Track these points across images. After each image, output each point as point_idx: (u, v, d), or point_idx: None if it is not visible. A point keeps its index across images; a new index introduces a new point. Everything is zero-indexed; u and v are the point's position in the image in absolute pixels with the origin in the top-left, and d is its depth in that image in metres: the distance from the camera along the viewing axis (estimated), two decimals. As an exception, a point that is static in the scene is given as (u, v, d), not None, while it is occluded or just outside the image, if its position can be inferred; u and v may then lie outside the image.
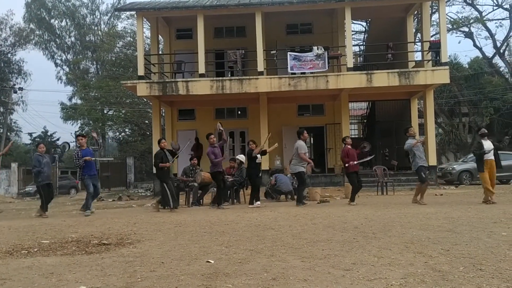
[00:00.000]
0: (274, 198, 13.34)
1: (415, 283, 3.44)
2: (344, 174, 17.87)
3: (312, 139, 23.01)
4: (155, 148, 18.78)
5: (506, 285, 3.34)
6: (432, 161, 17.85)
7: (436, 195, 13.48)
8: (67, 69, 44.23)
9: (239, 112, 21.28)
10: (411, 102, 20.20)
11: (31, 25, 42.70)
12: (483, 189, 10.11)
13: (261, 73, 17.36)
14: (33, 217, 9.88)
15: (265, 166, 17.90)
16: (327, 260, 4.32)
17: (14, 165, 29.47)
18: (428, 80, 16.95)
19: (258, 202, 10.75)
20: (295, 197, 13.51)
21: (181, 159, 19.03)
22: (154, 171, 11.32)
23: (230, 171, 13.19)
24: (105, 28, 43.40)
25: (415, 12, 21.22)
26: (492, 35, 31.44)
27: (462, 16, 32.59)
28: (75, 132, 42.94)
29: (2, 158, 28.13)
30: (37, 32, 43.18)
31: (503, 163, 19.69)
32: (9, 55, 42.54)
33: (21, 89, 38.82)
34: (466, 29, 32.08)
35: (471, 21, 31.56)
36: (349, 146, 11.06)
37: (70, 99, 42.88)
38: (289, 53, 17.44)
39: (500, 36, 38.97)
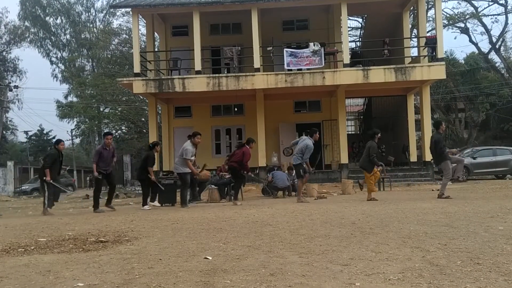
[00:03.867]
0: (271, 194, 13.34)
1: (412, 278, 3.44)
2: (340, 171, 17.94)
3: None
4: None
5: (504, 279, 3.35)
6: (429, 156, 17.87)
7: (432, 190, 13.50)
8: (63, 67, 44.09)
9: (236, 109, 21.26)
10: (407, 98, 20.26)
11: (26, 23, 42.57)
12: (369, 187, 10.45)
13: (257, 70, 17.34)
14: (30, 215, 9.83)
15: (262, 163, 17.94)
16: (325, 255, 4.32)
17: (10, 164, 29.37)
18: (424, 75, 16.99)
19: (147, 206, 10.57)
20: (293, 193, 13.56)
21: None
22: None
23: (226, 168, 13.17)
24: (101, 26, 43.31)
25: (411, 8, 21.24)
26: (487, 31, 31.54)
27: (458, 12, 32.73)
28: (71, 130, 42.94)
29: None
30: (32, 30, 43.03)
31: (498, 158, 19.91)
32: (4, 53, 42.35)
33: (16, 87, 38.71)
34: (462, 25, 32.19)
35: (467, 16, 31.66)
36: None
37: (66, 97, 42.85)
38: (285, 49, 17.43)
39: (495, 31, 39.08)
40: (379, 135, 10.81)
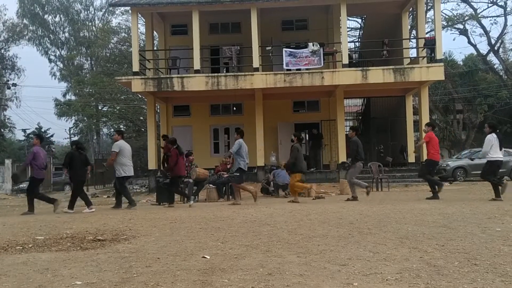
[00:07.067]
0: (272, 194, 13.35)
1: (410, 278, 3.46)
2: (338, 171, 17.94)
3: (307, 135, 23.09)
4: (150, 145, 18.82)
5: (501, 280, 3.37)
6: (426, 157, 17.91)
7: (430, 191, 13.51)
8: (61, 65, 43.97)
9: (235, 108, 21.26)
10: (406, 98, 20.27)
11: (25, 21, 42.40)
12: (299, 190, 10.77)
13: (256, 69, 17.34)
14: (28, 214, 9.80)
15: (260, 162, 17.95)
16: (322, 255, 4.33)
17: (8, 162, 29.27)
18: (423, 76, 17.01)
19: (89, 209, 9.73)
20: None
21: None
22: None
23: (225, 167, 13.21)
24: (100, 24, 43.16)
25: (410, 9, 21.26)
26: (486, 32, 31.56)
27: (457, 13, 32.75)
28: (70, 128, 42.91)
29: None
30: (31, 28, 42.88)
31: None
32: (2, 51, 42.21)
33: (14, 85, 38.64)
34: (461, 26, 32.20)
35: (466, 18, 31.67)
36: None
37: (64, 95, 42.74)
38: (284, 49, 17.42)
39: (494, 33, 39.26)
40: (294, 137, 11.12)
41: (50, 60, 44.24)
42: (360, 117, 26.16)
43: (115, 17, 43.44)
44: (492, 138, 9.66)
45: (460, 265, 3.79)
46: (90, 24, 43.91)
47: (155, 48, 21.41)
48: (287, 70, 17.40)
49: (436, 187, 10.63)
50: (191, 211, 8.79)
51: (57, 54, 44.41)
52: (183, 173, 11.10)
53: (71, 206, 9.88)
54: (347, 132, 11.11)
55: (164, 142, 11.14)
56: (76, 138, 42.15)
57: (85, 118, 38.21)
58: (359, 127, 25.93)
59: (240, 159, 10.37)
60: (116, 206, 10.34)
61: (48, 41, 43.89)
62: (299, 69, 17.39)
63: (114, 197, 10.92)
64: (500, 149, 9.67)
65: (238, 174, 10.45)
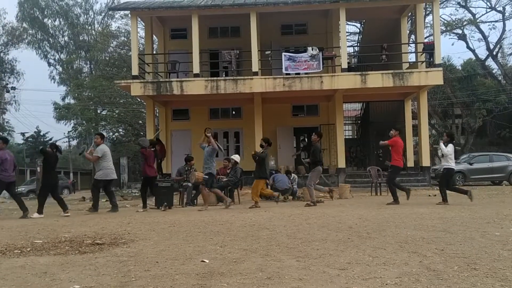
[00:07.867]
0: (272, 198, 13.31)
1: (410, 282, 3.45)
2: (337, 175, 17.92)
3: (306, 139, 23.10)
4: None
5: (500, 284, 3.36)
6: (426, 162, 17.94)
7: (429, 195, 13.53)
8: (60, 69, 44.00)
9: (234, 112, 21.26)
10: (405, 103, 20.29)
11: (24, 24, 42.47)
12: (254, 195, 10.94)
13: (255, 73, 17.35)
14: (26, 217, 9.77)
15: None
16: (322, 259, 4.32)
17: (6, 165, 29.18)
18: (421, 81, 17.03)
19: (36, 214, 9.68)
20: (290, 197, 13.57)
21: (176, 159, 19.03)
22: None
23: (225, 171, 13.21)
24: (99, 28, 43.22)
25: (409, 14, 21.31)
26: (485, 37, 31.71)
27: (455, 18, 32.88)
28: (68, 132, 42.87)
29: None
30: (30, 31, 42.94)
31: (495, 164, 19.96)
32: (1, 54, 42.25)
33: (13, 88, 38.64)
34: (460, 31, 32.32)
35: (465, 23, 31.80)
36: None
37: (63, 99, 42.77)
38: (283, 53, 17.46)
39: (493, 38, 39.37)
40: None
41: (49, 64, 44.33)
42: (359, 122, 26.16)
43: (115, 21, 43.58)
44: (452, 147, 10.21)
45: (460, 270, 3.79)
46: (89, 28, 43.99)
47: (154, 52, 21.43)
48: (286, 74, 17.42)
49: (399, 195, 10.72)
50: (190, 215, 8.78)
51: (56, 58, 44.49)
52: (151, 174, 11.28)
53: (39, 210, 9.78)
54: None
55: (157, 145, 11.24)
56: (69, 141, 42.08)
57: (84, 122, 38.19)
58: (359, 130, 25.97)
59: (211, 165, 10.76)
60: (112, 209, 10.34)
61: (48, 44, 43.96)
62: (298, 73, 17.42)
63: (109, 202, 10.96)
64: (456, 158, 10.37)
65: (207, 177, 10.62)
